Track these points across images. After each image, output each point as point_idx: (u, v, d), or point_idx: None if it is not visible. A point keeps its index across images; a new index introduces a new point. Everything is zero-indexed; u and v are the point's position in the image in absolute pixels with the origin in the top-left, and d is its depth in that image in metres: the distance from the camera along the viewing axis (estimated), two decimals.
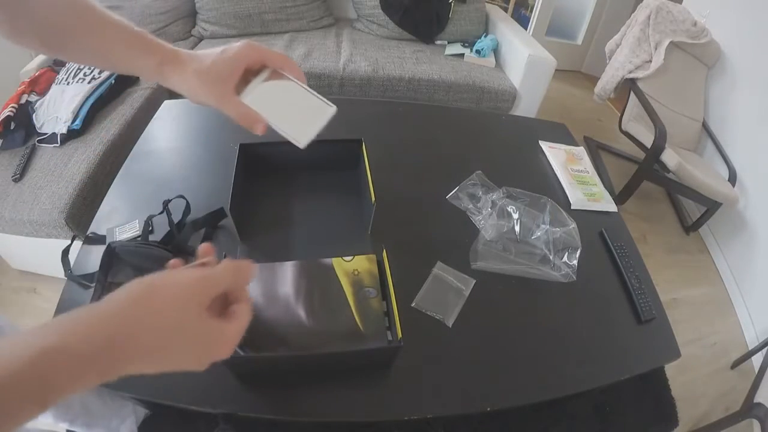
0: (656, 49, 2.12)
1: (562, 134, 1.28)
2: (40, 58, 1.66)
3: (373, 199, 0.78)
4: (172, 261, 0.38)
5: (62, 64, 1.60)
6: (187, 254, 0.76)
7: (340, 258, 0.73)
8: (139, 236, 0.77)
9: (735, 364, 1.68)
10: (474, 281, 0.80)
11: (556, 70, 1.97)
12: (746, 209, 2.02)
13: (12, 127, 1.39)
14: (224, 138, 1.00)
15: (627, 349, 0.78)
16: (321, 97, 0.56)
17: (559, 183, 1.07)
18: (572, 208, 1.01)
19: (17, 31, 0.47)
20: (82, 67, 1.52)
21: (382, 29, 2.20)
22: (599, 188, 1.07)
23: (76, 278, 0.72)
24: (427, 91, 1.94)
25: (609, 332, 0.80)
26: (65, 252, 0.76)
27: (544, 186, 1.05)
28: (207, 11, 2.02)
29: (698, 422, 1.44)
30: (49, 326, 0.28)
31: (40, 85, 1.52)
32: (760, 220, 1.94)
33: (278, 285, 0.69)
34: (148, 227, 0.77)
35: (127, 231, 0.79)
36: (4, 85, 1.58)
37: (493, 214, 0.89)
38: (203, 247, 0.40)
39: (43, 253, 1.38)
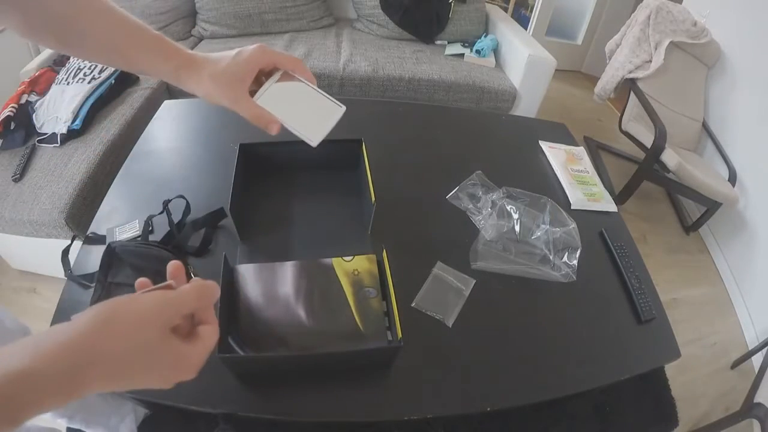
0: (656, 49, 2.12)
1: (562, 134, 1.28)
2: (40, 58, 1.66)
3: (373, 199, 0.78)
4: (140, 280, 0.39)
5: (62, 64, 1.60)
6: (187, 254, 0.76)
7: (340, 258, 0.73)
8: (139, 236, 0.77)
9: (735, 364, 1.68)
10: (474, 281, 0.80)
11: (556, 70, 1.97)
12: (746, 209, 2.02)
13: (12, 127, 1.39)
14: (224, 138, 1.00)
15: (627, 349, 0.78)
16: (331, 97, 0.58)
17: (559, 183, 1.07)
18: (572, 208, 1.01)
19: (33, 29, 0.48)
20: (82, 66, 1.52)
21: (382, 29, 2.20)
22: (599, 188, 1.07)
23: (76, 278, 0.72)
24: (427, 91, 1.94)
25: (609, 332, 0.80)
26: (65, 252, 0.77)
27: (544, 186, 1.05)
28: (207, 11, 2.02)
29: (698, 422, 1.44)
30: (16, 350, 0.29)
31: (40, 85, 1.52)
32: (760, 220, 1.94)
33: (278, 285, 0.69)
34: (148, 227, 0.77)
35: (127, 231, 0.79)
36: (4, 85, 1.58)
37: (493, 214, 0.89)
38: (172, 266, 0.40)
39: (43, 253, 1.38)
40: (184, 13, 2.04)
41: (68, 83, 1.49)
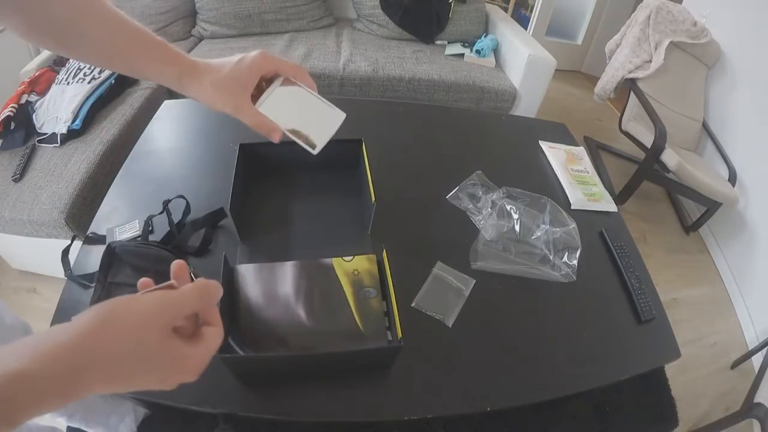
0: (656, 49, 2.12)
1: (562, 134, 1.28)
2: (40, 58, 1.66)
3: (373, 199, 0.78)
4: (142, 280, 0.38)
5: (62, 64, 1.60)
6: (187, 254, 0.76)
7: (340, 258, 0.73)
8: (139, 236, 0.77)
9: (735, 364, 1.68)
10: (474, 281, 0.80)
11: (556, 70, 1.97)
12: (746, 209, 2.02)
13: (12, 127, 1.39)
14: (224, 138, 1.00)
15: (627, 349, 0.78)
16: (331, 104, 0.59)
17: (559, 183, 1.07)
18: (572, 208, 1.01)
19: (33, 31, 0.47)
20: (81, 67, 1.53)
21: (382, 29, 2.20)
22: (599, 188, 1.07)
23: (76, 278, 0.72)
24: (427, 91, 1.94)
25: (609, 332, 0.80)
26: (65, 252, 0.77)
27: (544, 186, 1.05)
28: (207, 11, 2.02)
29: (698, 422, 1.44)
30: (15, 350, 0.28)
31: (40, 85, 1.52)
32: (760, 220, 1.94)
33: (278, 285, 0.69)
34: (148, 227, 0.77)
35: (127, 231, 0.79)
36: (4, 85, 1.59)
37: (493, 214, 0.89)
38: (176, 265, 0.39)
39: (43, 253, 1.38)
40: (184, 13, 2.04)
41: (68, 83, 1.49)
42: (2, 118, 1.38)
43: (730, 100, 2.21)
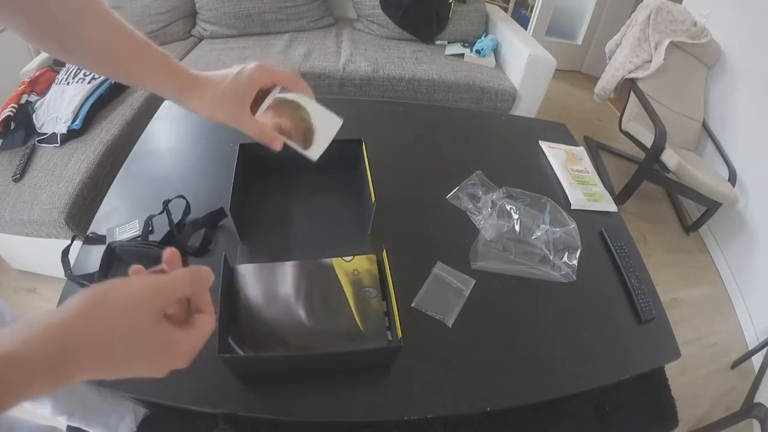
0: (656, 49, 2.12)
1: (562, 134, 1.28)
2: (40, 58, 1.66)
3: (373, 199, 0.78)
4: (134, 267, 0.38)
5: (62, 64, 1.60)
6: (187, 254, 0.76)
7: (340, 258, 0.73)
8: (139, 236, 0.77)
9: (735, 364, 1.68)
10: (474, 281, 0.80)
11: (556, 70, 1.97)
12: (746, 209, 2.02)
13: (12, 127, 1.39)
14: (224, 138, 1.00)
15: (627, 349, 0.78)
16: (328, 110, 0.61)
17: (559, 183, 1.07)
18: (572, 208, 1.01)
19: (35, 33, 0.47)
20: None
21: (382, 29, 2.20)
22: (599, 188, 1.07)
23: (76, 278, 0.72)
24: (427, 91, 1.94)
25: (609, 332, 0.80)
26: (65, 252, 0.76)
27: (544, 186, 1.05)
28: (207, 11, 2.02)
29: (698, 422, 1.44)
30: (7, 332, 0.28)
31: (40, 85, 1.52)
32: (760, 220, 1.94)
33: (278, 285, 0.69)
34: (148, 227, 0.77)
35: (127, 231, 0.79)
36: (4, 85, 1.58)
37: (493, 214, 0.89)
38: (168, 252, 0.39)
39: (43, 253, 1.38)
40: (184, 13, 2.04)
41: (68, 83, 1.49)
42: (2, 118, 1.38)
43: (730, 100, 2.21)
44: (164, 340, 0.34)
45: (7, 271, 1.56)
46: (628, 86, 2.17)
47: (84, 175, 1.30)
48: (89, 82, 1.48)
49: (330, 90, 1.88)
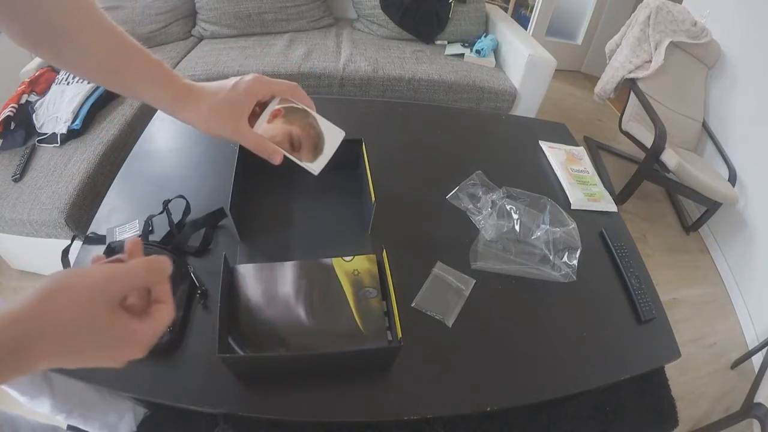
0: (656, 49, 2.12)
1: (562, 134, 1.28)
2: (40, 59, 1.65)
3: (373, 199, 0.78)
4: (94, 255, 0.38)
5: None
6: (187, 254, 0.76)
7: (340, 258, 0.73)
8: (139, 236, 0.77)
9: (735, 364, 1.68)
10: (474, 281, 0.80)
11: (556, 70, 1.97)
12: (746, 209, 2.02)
13: (12, 127, 1.39)
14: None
15: (627, 349, 0.78)
16: (329, 122, 0.59)
17: (559, 183, 1.07)
18: (572, 208, 1.01)
19: (30, 40, 0.47)
20: None
21: (382, 29, 2.20)
22: (599, 188, 1.07)
23: None
24: (427, 91, 1.94)
25: (609, 332, 0.80)
26: (65, 252, 0.77)
27: (544, 186, 1.05)
28: (207, 11, 2.02)
29: (698, 422, 1.44)
30: None
31: (40, 85, 1.52)
32: (760, 220, 1.94)
33: (278, 285, 0.69)
34: (148, 227, 0.77)
35: (127, 231, 0.79)
36: (4, 85, 1.58)
37: (493, 214, 0.89)
38: (130, 242, 0.39)
39: (43, 253, 1.38)
40: (184, 13, 2.04)
41: (68, 83, 1.49)
42: (2, 118, 1.38)
43: (730, 100, 2.21)
44: (119, 330, 0.34)
45: (7, 271, 1.56)
46: (628, 86, 2.17)
47: (84, 175, 1.30)
48: (89, 82, 1.48)
49: (330, 90, 1.88)
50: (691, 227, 2.23)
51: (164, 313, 0.37)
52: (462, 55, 2.13)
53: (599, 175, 1.14)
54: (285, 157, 0.57)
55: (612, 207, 1.04)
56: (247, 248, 0.80)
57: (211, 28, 2.05)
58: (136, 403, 0.87)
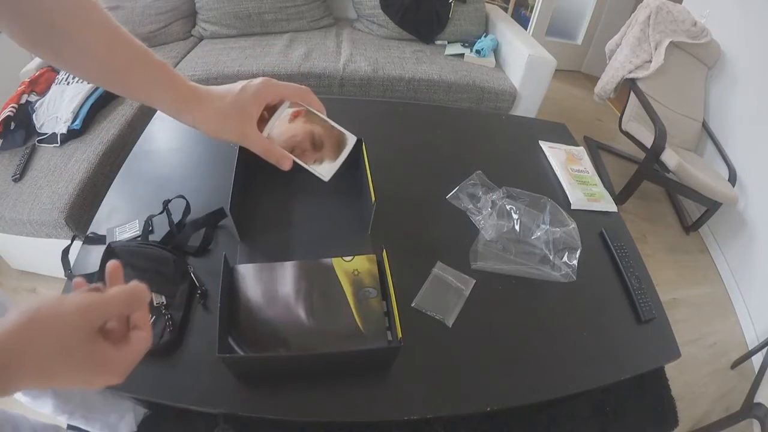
0: (656, 49, 2.12)
1: (562, 134, 1.28)
2: (40, 59, 1.65)
3: (373, 199, 0.78)
4: (76, 281, 0.39)
5: None
6: (187, 254, 0.76)
7: (340, 258, 0.73)
8: (139, 236, 0.77)
9: (735, 364, 1.68)
10: (474, 281, 0.80)
11: (556, 70, 1.97)
12: (746, 209, 2.02)
13: (12, 127, 1.39)
14: None
15: (627, 349, 0.78)
16: (340, 127, 0.58)
17: (559, 183, 1.07)
18: (572, 208, 1.01)
19: (31, 39, 0.46)
20: None
21: (382, 29, 2.20)
22: (599, 188, 1.07)
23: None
24: (427, 91, 1.94)
25: (609, 332, 0.80)
26: (65, 252, 0.77)
27: (544, 186, 1.05)
28: (207, 11, 2.02)
29: (698, 422, 1.44)
30: None
31: (40, 85, 1.52)
32: (760, 220, 1.94)
33: (278, 285, 0.69)
34: (148, 227, 0.77)
35: (127, 231, 0.79)
36: (4, 85, 1.58)
37: (493, 214, 0.89)
38: (110, 266, 0.40)
39: (43, 253, 1.38)
40: (184, 13, 2.04)
41: (68, 83, 1.49)
42: (2, 118, 1.38)
43: (730, 100, 2.21)
44: (97, 358, 0.34)
45: (7, 271, 1.56)
46: (628, 86, 2.17)
47: (84, 175, 1.30)
48: (89, 82, 1.48)
49: (330, 90, 1.88)
50: (691, 227, 2.23)
51: (142, 340, 0.38)
52: (462, 55, 2.13)
53: (599, 175, 1.14)
54: (294, 163, 0.55)
55: (612, 207, 1.04)
56: (247, 248, 0.80)
57: (211, 28, 2.05)
58: (136, 404, 0.88)
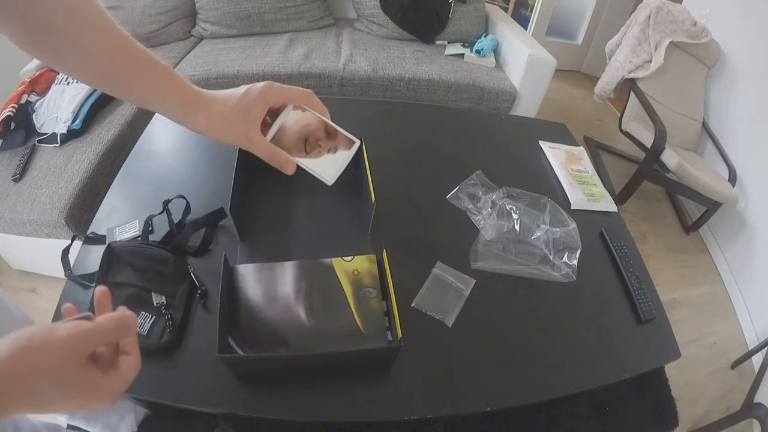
0: (656, 49, 2.12)
1: (562, 134, 1.28)
2: None
3: (373, 199, 0.78)
4: (66, 308, 0.39)
5: None
6: (186, 254, 0.76)
7: (340, 258, 0.73)
8: (139, 236, 0.77)
9: (735, 364, 1.68)
10: (474, 281, 0.80)
11: (556, 70, 1.97)
12: (746, 209, 2.02)
13: (12, 127, 1.39)
14: None
15: (627, 349, 0.78)
16: (344, 131, 0.57)
17: (559, 183, 1.07)
18: (572, 208, 1.01)
19: (31, 42, 0.45)
20: None
21: (382, 29, 2.20)
22: (599, 188, 1.07)
23: (76, 278, 0.72)
24: (427, 91, 1.94)
25: (609, 332, 0.80)
26: (65, 252, 0.77)
27: (544, 186, 1.05)
28: (207, 11, 2.02)
29: (698, 422, 1.44)
30: None
31: (40, 85, 1.52)
32: (760, 220, 1.94)
33: (278, 285, 0.69)
34: (148, 227, 0.77)
35: (127, 231, 0.79)
36: (4, 85, 1.58)
37: (493, 214, 0.89)
38: (99, 292, 0.41)
39: (43, 253, 1.38)
40: (184, 13, 2.04)
41: (68, 83, 1.49)
42: (2, 118, 1.38)
43: (730, 100, 2.21)
44: (87, 385, 0.35)
45: (7, 271, 1.56)
46: (628, 86, 2.17)
47: (84, 175, 1.30)
48: (90, 86, 1.48)
49: (330, 90, 1.88)
50: (691, 227, 2.23)
51: (131, 366, 0.39)
52: (462, 55, 2.13)
53: (599, 175, 1.14)
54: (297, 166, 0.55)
55: (612, 207, 1.04)
56: (247, 248, 0.80)
57: (211, 28, 2.05)
58: (136, 404, 0.87)
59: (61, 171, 1.31)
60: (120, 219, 0.82)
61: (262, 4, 2.03)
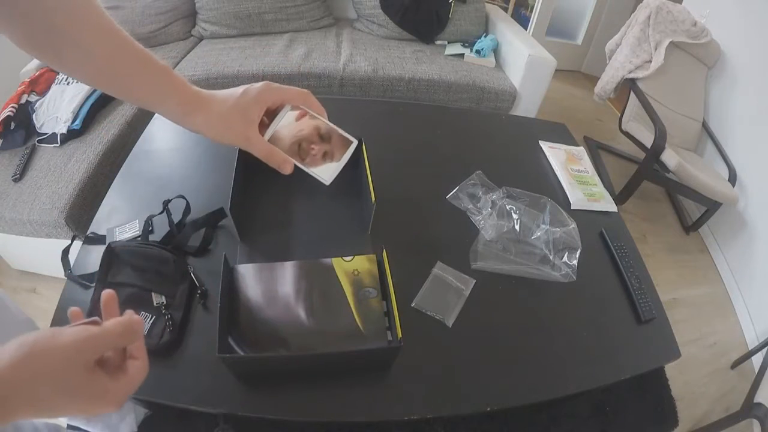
0: (656, 49, 2.12)
1: (562, 134, 1.28)
2: None
3: (373, 199, 0.77)
4: (72, 312, 0.39)
5: None
6: (186, 254, 0.76)
7: (340, 258, 0.73)
8: (139, 236, 0.77)
9: (735, 364, 1.68)
10: (474, 281, 0.80)
11: (556, 70, 1.97)
12: (746, 209, 2.02)
13: (12, 127, 1.39)
14: None
15: (627, 349, 0.78)
16: (342, 131, 0.58)
17: (559, 183, 1.07)
18: (572, 208, 1.01)
19: (31, 40, 0.45)
20: None
21: (382, 29, 2.20)
22: (599, 188, 1.07)
23: (76, 278, 0.72)
24: (427, 91, 1.94)
25: (609, 332, 0.80)
26: (65, 252, 0.77)
27: (544, 186, 1.05)
28: (207, 11, 2.02)
29: (698, 422, 1.44)
30: None
31: (40, 85, 1.52)
32: (760, 220, 1.94)
33: (278, 285, 0.69)
34: (148, 227, 0.77)
35: (127, 231, 0.79)
36: (4, 85, 1.58)
37: (493, 214, 0.89)
38: (105, 295, 0.40)
39: (43, 253, 1.38)
40: (184, 13, 2.04)
41: (68, 83, 1.49)
42: (2, 118, 1.38)
43: (730, 100, 2.21)
44: (94, 390, 0.35)
45: (7, 271, 1.56)
46: (628, 86, 2.17)
47: (84, 175, 1.30)
48: (90, 86, 1.48)
49: (330, 90, 1.88)
50: (691, 227, 2.23)
51: (139, 370, 0.39)
52: (462, 55, 2.13)
53: (599, 175, 1.14)
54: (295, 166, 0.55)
55: (612, 207, 1.04)
56: (247, 248, 0.80)
57: (211, 28, 2.05)
58: (136, 404, 0.87)
59: (61, 171, 1.31)
60: (120, 219, 0.82)
61: (262, 4, 2.03)
